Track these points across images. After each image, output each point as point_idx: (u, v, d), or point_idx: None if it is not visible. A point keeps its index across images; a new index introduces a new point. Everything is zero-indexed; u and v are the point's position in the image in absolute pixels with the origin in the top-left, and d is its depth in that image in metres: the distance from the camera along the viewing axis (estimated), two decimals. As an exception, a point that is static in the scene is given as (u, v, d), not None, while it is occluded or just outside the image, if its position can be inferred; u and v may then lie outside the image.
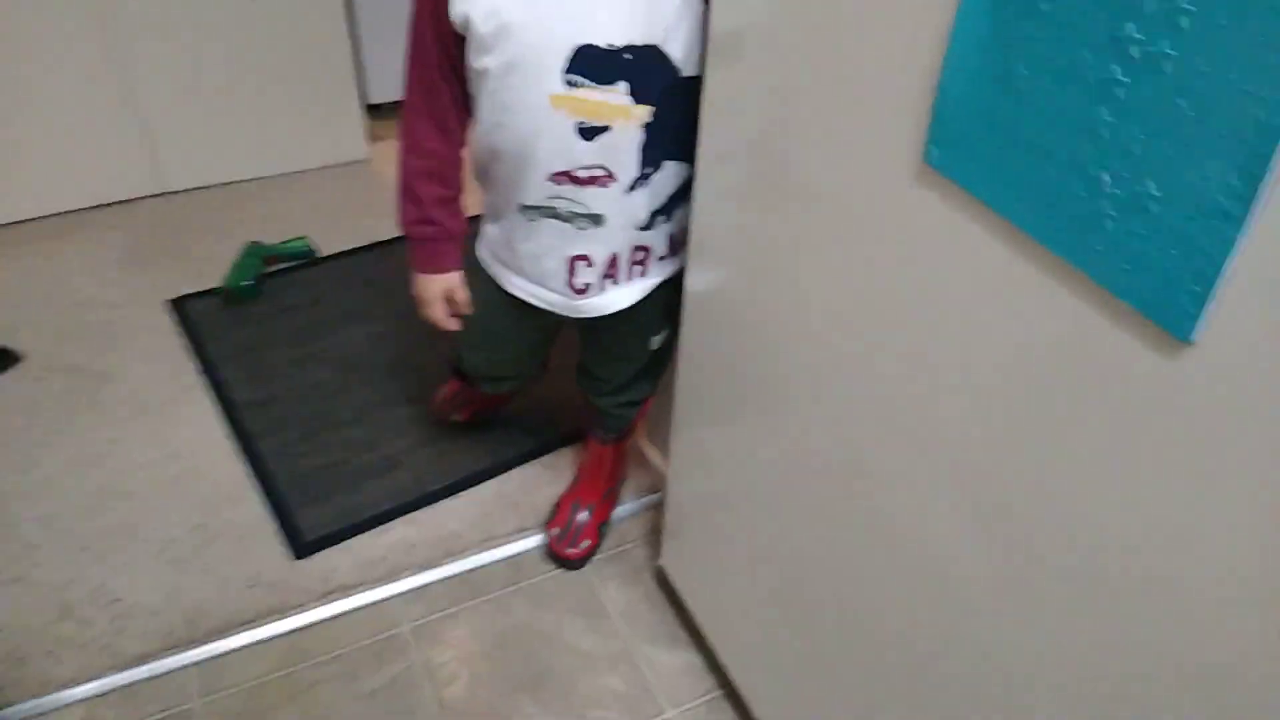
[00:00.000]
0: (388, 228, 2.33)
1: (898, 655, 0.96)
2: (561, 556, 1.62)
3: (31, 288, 2.10)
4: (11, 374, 1.89)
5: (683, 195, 1.19)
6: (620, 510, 1.73)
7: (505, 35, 1.02)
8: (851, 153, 0.83)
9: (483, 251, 1.32)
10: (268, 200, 2.44)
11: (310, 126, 2.53)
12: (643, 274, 1.27)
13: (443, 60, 1.09)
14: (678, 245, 1.26)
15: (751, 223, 1.02)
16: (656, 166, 1.13)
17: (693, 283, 1.21)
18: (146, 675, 1.43)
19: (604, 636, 1.54)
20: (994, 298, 0.72)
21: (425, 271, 1.29)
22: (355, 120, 2.60)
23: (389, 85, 2.79)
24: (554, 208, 1.15)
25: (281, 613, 1.52)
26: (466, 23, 1.03)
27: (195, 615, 1.50)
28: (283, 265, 2.22)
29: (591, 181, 1.12)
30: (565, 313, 1.29)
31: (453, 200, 1.23)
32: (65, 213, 2.33)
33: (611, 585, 1.62)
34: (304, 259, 2.23)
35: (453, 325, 1.33)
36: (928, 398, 0.82)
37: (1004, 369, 0.73)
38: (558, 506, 1.68)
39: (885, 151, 0.78)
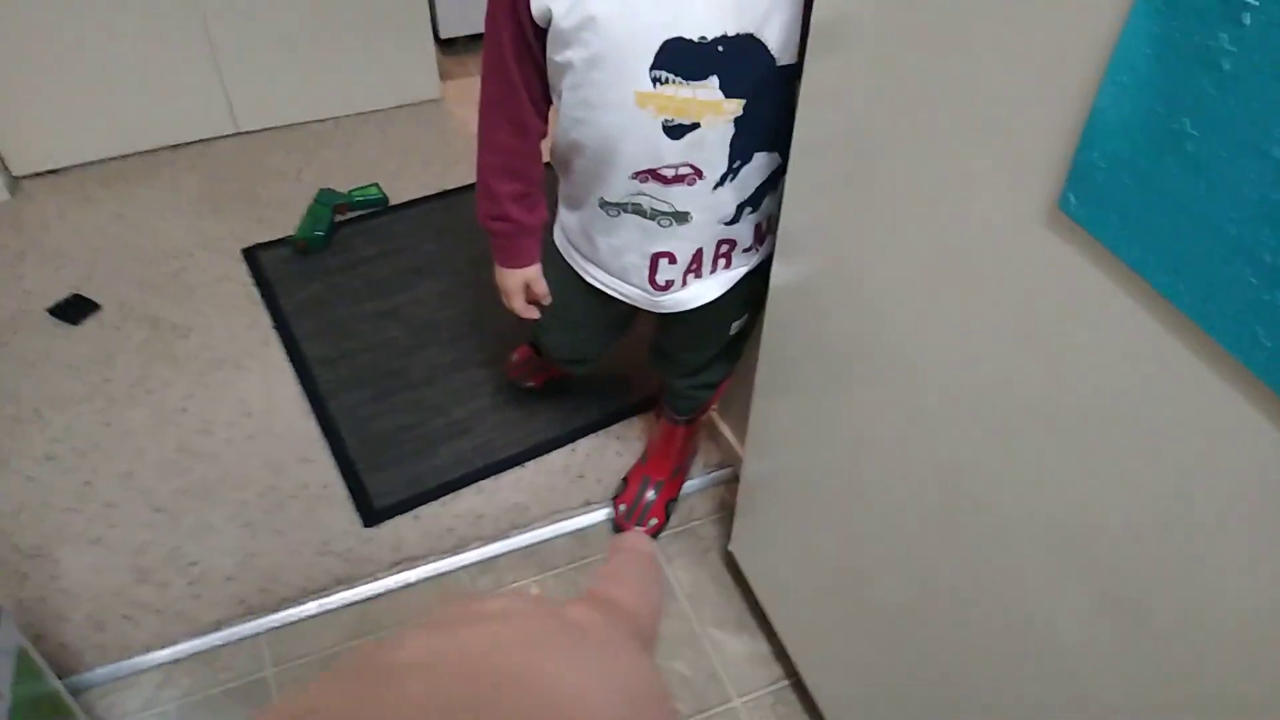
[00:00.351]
0: (458, 174, 2.28)
1: (977, 671, 0.91)
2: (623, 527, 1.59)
3: (108, 232, 2.11)
4: (90, 323, 1.90)
5: (771, 184, 1.11)
6: (689, 485, 1.70)
7: (590, 28, 0.94)
8: (966, 176, 0.75)
9: (560, 239, 1.26)
10: (340, 142, 2.40)
11: (382, 64, 2.47)
12: (727, 266, 1.20)
13: (521, 54, 1.01)
14: (763, 235, 1.19)
15: (843, 223, 0.94)
16: (746, 159, 1.06)
17: (779, 275, 1.14)
18: (221, 641, 1.45)
19: (670, 618, 1.52)
20: (1125, 365, 0.64)
21: (504, 266, 1.25)
22: (428, 57, 2.52)
23: (461, 19, 2.71)
24: (638, 204, 1.09)
25: (351, 582, 1.53)
26: (548, 15, 0.95)
27: (268, 582, 1.52)
28: (354, 214, 2.18)
29: (678, 180, 1.05)
30: (645, 307, 1.24)
31: (529, 195, 1.17)
32: (141, 153, 2.32)
33: (678, 564, 1.59)
34: (375, 207, 2.20)
35: (532, 314, 1.30)
36: (1032, 445, 0.75)
37: (1124, 439, 0.65)
38: (626, 482, 1.64)
39: (1007, 186, 0.70)
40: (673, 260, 1.15)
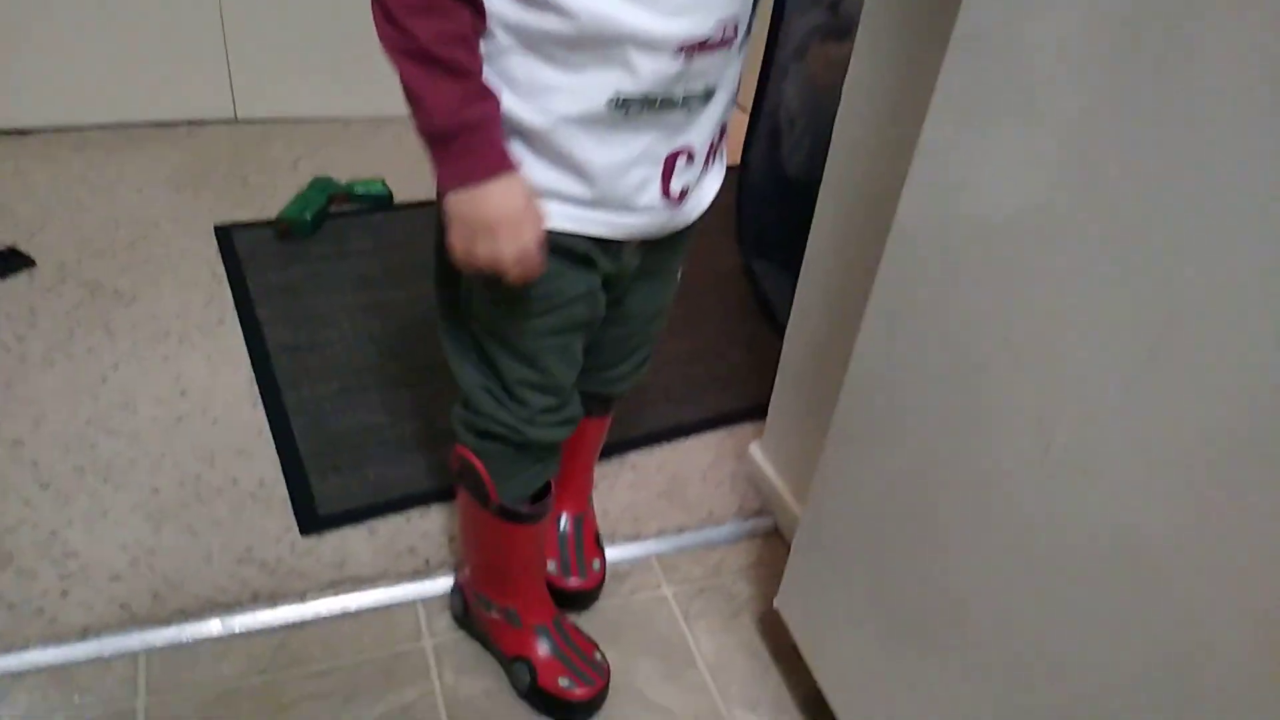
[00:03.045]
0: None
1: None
2: (567, 591, 1.21)
3: (66, 194, 1.83)
4: (19, 279, 1.60)
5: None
6: (716, 533, 1.35)
7: None
8: None
9: None
10: (349, 141, 2.15)
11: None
12: (718, 157, 0.91)
13: None
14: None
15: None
16: (752, 8, 0.80)
17: (887, 273, 0.85)
18: (87, 655, 1.08)
19: (686, 689, 1.15)
20: None
21: (497, 173, 0.78)
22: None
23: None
24: (670, 93, 0.79)
25: (273, 601, 1.17)
26: None
27: (163, 588, 1.16)
28: (353, 207, 1.91)
29: (723, 43, 0.77)
30: (655, 234, 0.91)
31: (471, 41, 0.77)
32: (125, 124, 2.07)
33: (701, 626, 1.23)
34: (376, 202, 1.92)
35: (540, 263, 0.84)
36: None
37: None
38: None
39: None
40: (690, 158, 0.84)
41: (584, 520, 1.26)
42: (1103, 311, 0.62)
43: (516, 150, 0.79)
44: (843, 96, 1.14)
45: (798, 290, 1.29)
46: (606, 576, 1.26)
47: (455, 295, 0.94)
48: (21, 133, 1.99)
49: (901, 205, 0.82)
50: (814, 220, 1.24)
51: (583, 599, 1.23)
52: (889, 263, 0.85)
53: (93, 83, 2.00)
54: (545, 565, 1.13)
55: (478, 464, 0.99)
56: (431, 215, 0.88)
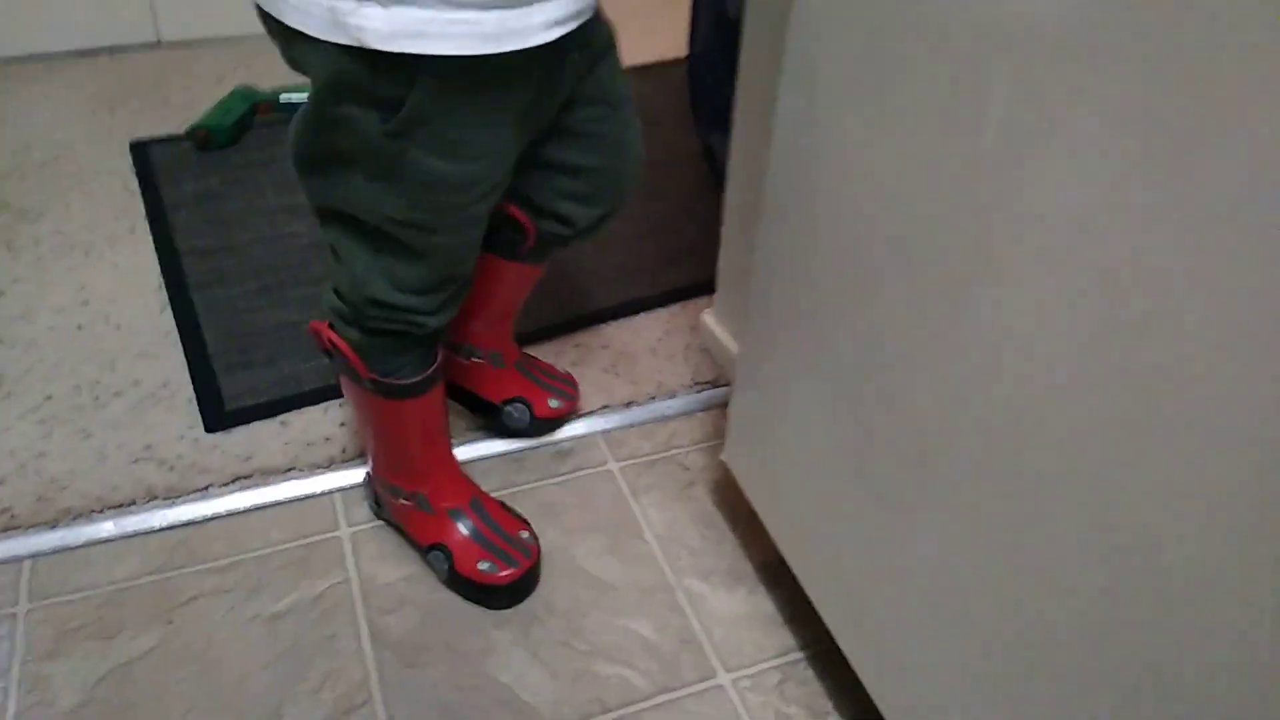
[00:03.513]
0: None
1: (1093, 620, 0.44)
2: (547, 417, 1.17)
3: (-25, 125, 1.72)
4: (-84, 204, 1.49)
5: None
6: (670, 404, 1.23)
7: None
8: None
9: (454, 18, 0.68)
10: (276, 54, 2.01)
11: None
12: None
13: None
14: None
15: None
16: None
17: (786, 103, 0.72)
18: (-40, 564, 0.98)
19: (633, 563, 1.04)
20: None
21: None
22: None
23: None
24: None
25: (172, 498, 1.06)
26: None
27: (50, 490, 1.05)
28: (280, 117, 1.79)
29: None
30: (589, 14, 0.78)
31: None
32: (39, 55, 1.95)
33: (649, 499, 1.11)
34: (306, 111, 1.80)
35: None
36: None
37: None
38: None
39: None
40: None
41: (528, 363, 1.18)
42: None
43: None
44: None
45: (733, 138, 1.16)
46: (547, 454, 1.15)
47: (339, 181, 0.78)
48: (-71, 68, 1.88)
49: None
50: (740, 59, 1.12)
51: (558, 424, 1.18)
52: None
53: (4, 13, 1.88)
54: (448, 441, 1.01)
55: (341, 344, 0.87)
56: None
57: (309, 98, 0.74)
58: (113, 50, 1.99)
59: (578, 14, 0.74)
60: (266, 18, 0.73)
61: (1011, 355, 0.56)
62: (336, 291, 0.86)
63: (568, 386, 1.19)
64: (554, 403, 1.16)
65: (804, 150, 0.76)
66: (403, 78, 0.69)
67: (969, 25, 0.54)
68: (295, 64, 0.75)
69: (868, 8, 0.64)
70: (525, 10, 0.69)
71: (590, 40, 0.82)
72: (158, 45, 2.02)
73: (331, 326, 0.88)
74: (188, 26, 2.04)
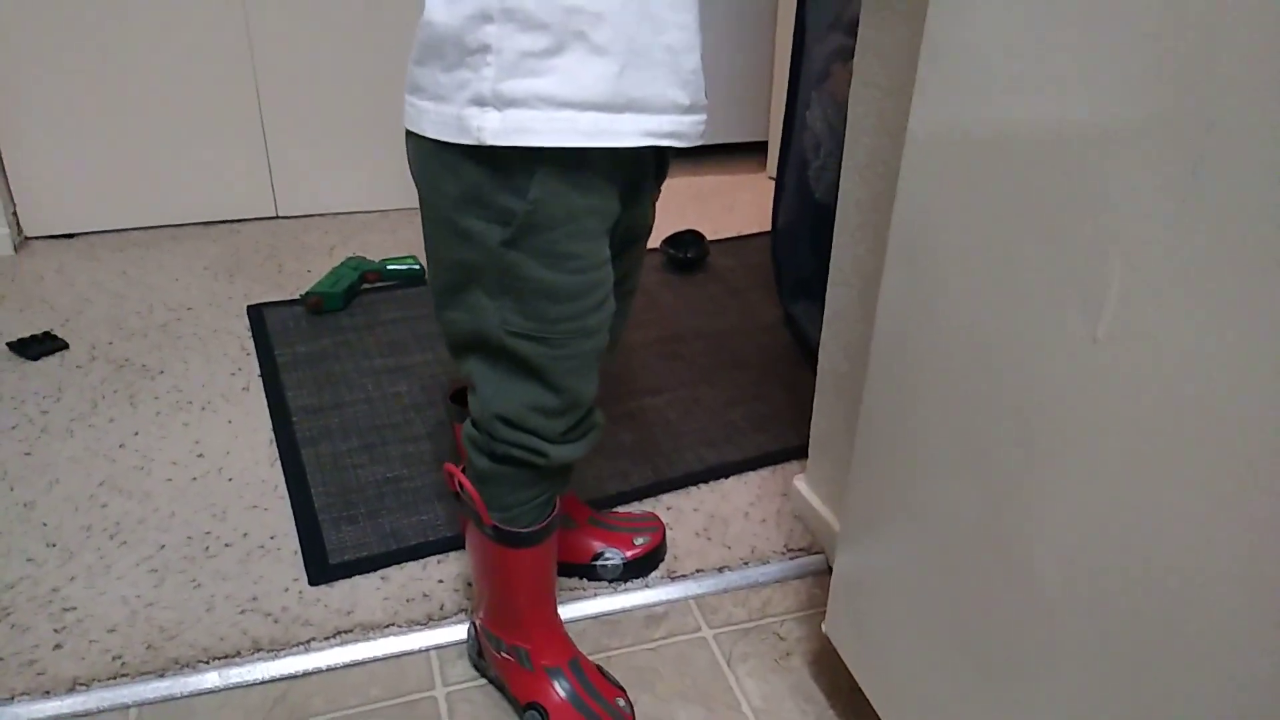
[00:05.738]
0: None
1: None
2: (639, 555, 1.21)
3: (105, 286, 1.85)
4: (49, 361, 1.60)
5: None
6: (764, 571, 1.23)
7: None
8: None
9: (568, 123, 0.75)
10: (384, 228, 2.16)
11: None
12: None
13: None
14: None
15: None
16: None
17: (891, 278, 0.78)
18: (74, 709, 1.00)
19: (729, 738, 1.01)
20: None
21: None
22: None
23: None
24: None
25: (276, 650, 1.08)
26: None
27: (161, 639, 1.08)
28: (386, 284, 1.90)
29: None
30: (686, 144, 0.85)
31: None
32: (166, 225, 2.11)
33: (745, 670, 1.10)
34: (409, 279, 1.91)
35: None
36: None
37: None
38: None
39: None
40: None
41: (600, 516, 1.22)
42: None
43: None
44: (848, 111, 1.09)
45: (826, 308, 1.21)
46: (640, 618, 1.14)
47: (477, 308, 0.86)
48: (68, 237, 2.04)
49: (913, 116, 0.75)
50: (834, 236, 1.17)
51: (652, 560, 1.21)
52: (906, 179, 0.77)
53: (137, 189, 2.06)
54: (554, 601, 1.02)
55: (469, 486, 0.91)
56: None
57: (441, 216, 0.82)
58: (233, 222, 2.15)
59: (670, 134, 0.81)
60: (410, 139, 0.82)
61: (1135, 524, 0.57)
62: (474, 422, 0.91)
63: (648, 522, 1.23)
64: (640, 540, 1.20)
65: (909, 321, 0.79)
66: (516, 183, 0.77)
67: (1082, 213, 0.58)
68: (433, 187, 0.82)
69: (973, 199, 0.68)
70: (617, 116, 0.76)
71: (663, 171, 0.91)
72: (275, 218, 2.18)
73: (464, 471, 0.92)
74: (303, 202, 2.20)
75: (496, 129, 0.75)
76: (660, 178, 0.92)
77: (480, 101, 0.74)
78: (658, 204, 0.96)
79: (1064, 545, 0.63)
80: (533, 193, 0.77)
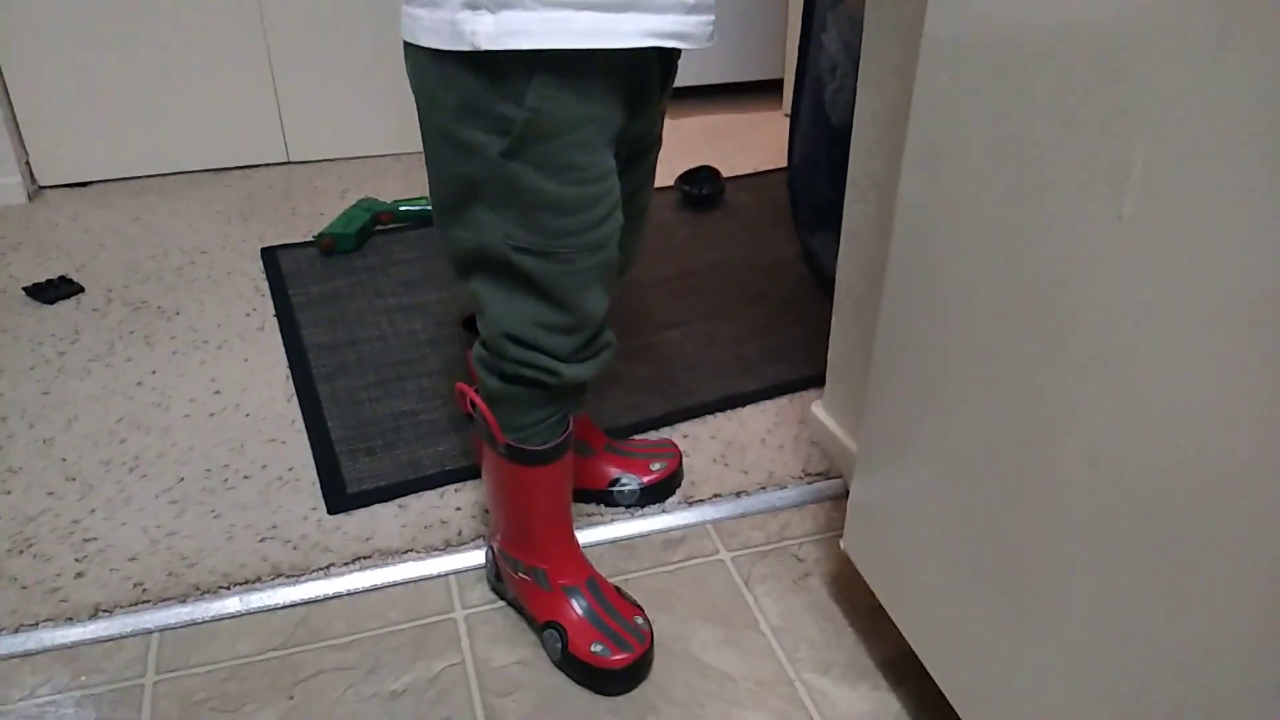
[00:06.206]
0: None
1: None
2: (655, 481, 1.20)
3: (120, 232, 1.85)
4: (67, 304, 1.60)
5: None
6: (782, 496, 1.22)
7: None
8: None
9: (558, 22, 0.73)
10: (398, 171, 2.14)
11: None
12: None
13: None
14: None
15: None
16: None
17: (908, 185, 0.76)
18: (95, 635, 1.01)
19: (750, 655, 1.01)
20: None
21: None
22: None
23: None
24: None
25: (296, 575, 1.08)
26: None
27: (180, 567, 1.09)
28: (399, 225, 1.89)
29: None
30: (693, 45, 0.82)
31: None
32: (179, 173, 2.11)
33: (763, 590, 1.09)
34: (423, 219, 1.90)
35: None
36: None
37: None
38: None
39: None
40: None
41: (616, 442, 1.22)
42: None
43: None
44: (863, 22, 1.06)
45: (843, 229, 1.18)
46: (658, 542, 1.14)
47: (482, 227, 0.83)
48: (81, 185, 2.04)
49: (929, 14, 0.72)
50: (850, 153, 1.15)
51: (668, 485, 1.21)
52: (923, 79, 0.75)
53: (149, 137, 2.05)
54: (570, 519, 1.02)
55: (482, 406, 0.90)
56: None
57: (440, 129, 0.80)
58: (245, 168, 2.14)
59: (675, 34, 0.78)
60: (408, 52, 0.80)
61: (1162, 411, 0.55)
62: (483, 343, 0.89)
63: (665, 448, 1.23)
64: (656, 465, 1.20)
65: (927, 224, 0.77)
66: (513, 90, 0.74)
67: (1103, 90, 0.56)
68: (431, 99, 0.80)
69: (993, 91, 0.65)
70: (615, 15, 0.73)
71: (669, 78, 0.88)
72: (287, 163, 2.17)
73: (476, 391, 0.91)
74: (314, 148, 2.19)
75: (490, 32, 0.72)
76: (666, 85, 0.90)
77: (473, 4, 0.72)
78: (674, 151, 0.93)
79: (1090, 439, 0.62)
80: (530, 100, 0.75)
